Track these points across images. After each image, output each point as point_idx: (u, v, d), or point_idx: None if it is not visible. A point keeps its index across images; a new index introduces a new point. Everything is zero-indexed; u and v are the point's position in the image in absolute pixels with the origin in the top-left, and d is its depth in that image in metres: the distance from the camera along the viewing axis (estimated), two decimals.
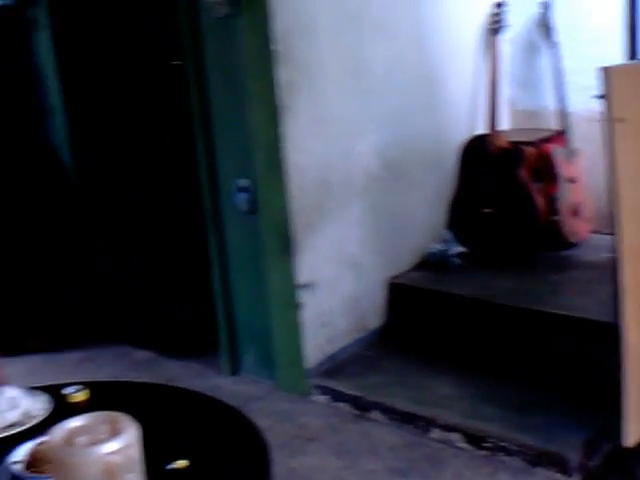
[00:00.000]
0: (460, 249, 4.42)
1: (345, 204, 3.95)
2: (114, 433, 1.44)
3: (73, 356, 4.74)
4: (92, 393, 2.27)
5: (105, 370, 4.49)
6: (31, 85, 4.73)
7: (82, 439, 1.44)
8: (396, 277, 4.31)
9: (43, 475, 1.80)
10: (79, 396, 2.26)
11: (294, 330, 3.84)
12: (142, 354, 4.70)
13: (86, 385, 2.30)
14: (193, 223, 4.20)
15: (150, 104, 4.39)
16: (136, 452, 1.44)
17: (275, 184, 3.67)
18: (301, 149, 3.69)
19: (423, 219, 4.46)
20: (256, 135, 3.67)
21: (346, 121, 3.91)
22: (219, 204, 3.95)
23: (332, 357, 4.03)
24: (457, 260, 4.38)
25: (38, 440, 1.93)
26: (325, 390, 3.88)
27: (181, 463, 1.76)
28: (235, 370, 4.26)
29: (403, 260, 4.36)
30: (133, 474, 1.39)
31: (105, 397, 2.29)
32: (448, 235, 4.48)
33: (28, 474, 1.81)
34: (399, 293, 4.27)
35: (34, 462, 1.87)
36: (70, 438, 1.45)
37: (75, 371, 4.47)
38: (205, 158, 3.89)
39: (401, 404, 3.64)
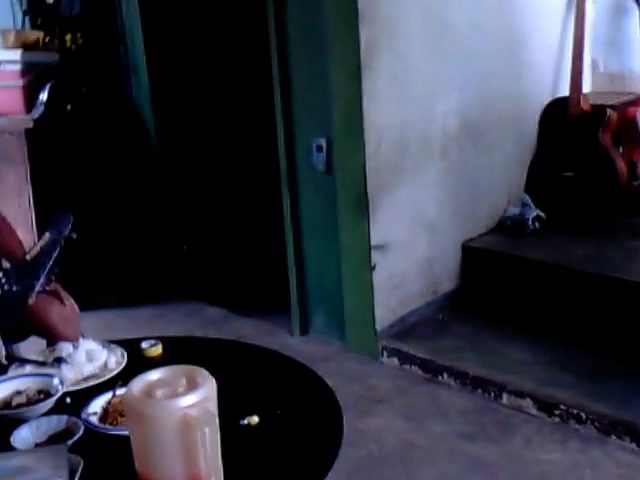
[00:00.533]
0: (537, 213, 4.33)
1: (422, 165, 3.90)
2: (192, 387, 1.44)
3: (145, 312, 4.80)
4: (166, 348, 2.29)
5: (176, 326, 4.53)
6: (117, 44, 4.76)
7: (160, 392, 1.43)
8: (471, 240, 4.26)
9: (119, 427, 1.83)
10: (153, 350, 2.27)
11: (366, 291, 3.82)
12: (213, 311, 4.74)
13: (160, 340, 2.32)
14: (268, 182, 4.20)
15: (231, 63, 4.38)
16: (213, 406, 1.43)
17: (352, 143, 3.64)
18: (380, 108, 3.64)
19: (501, 182, 4.38)
20: (335, 94, 3.64)
21: (426, 81, 3.84)
22: (294, 163, 3.93)
23: (403, 319, 4.01)
24: (534, 224, 4.30)
25: (114, 392, 1.96)
26: (395, 352, 3.86)
27: (253, 419, 1.76)
28: (305, 330, 4.26)
29: (478, 223, 4.30)
30: (209, 428, 1.38)
31: (178, 352, 2.31)
32: (526, 198, 4.39)
33: (103, 426, 1.84)
34: (473, 256, 4.21)
35: (110, 414, 1.90)
36: (149, 390, 1.45)
37: (147, 327, 4.52)
38: (282, 117, 3.87)
39: (472, 369, 3.60)
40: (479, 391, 3.53)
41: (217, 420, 1.40)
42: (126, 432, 1.78)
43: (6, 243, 2.74)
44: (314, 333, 4.25)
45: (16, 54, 4.48)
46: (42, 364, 2.21)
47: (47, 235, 2.08)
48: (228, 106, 4.46)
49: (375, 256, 3.77)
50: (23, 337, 2.83)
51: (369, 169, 3.64)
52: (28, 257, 2.05)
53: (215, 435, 1.41)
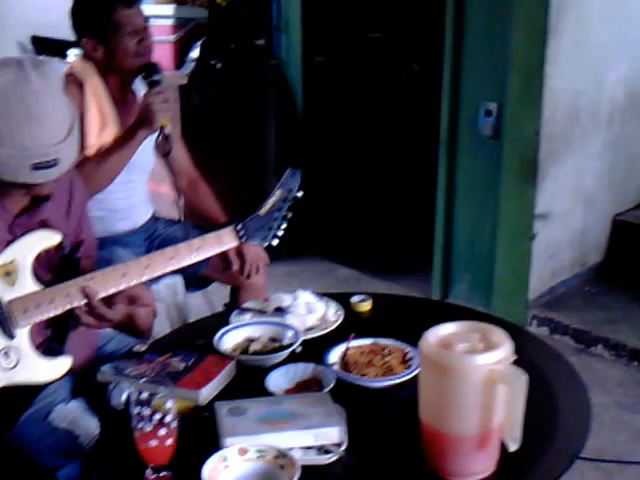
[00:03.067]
0: None
1: (589, 134, 3.85)
2: (490, 344, 1.46)
3: (277, 270, 4.81)
4: (375, 304, 2.33)
5: (309, 286, 4.54)
6: (269, 1, 4.73)
7: (461, 346, 1.46)
8: (621, 214, 4.21)
9: (365, 378, 1.88)
10: (364, 305, 2.32)
11: (523, 260, 3.81)
12: (345, 272, 4.76)
13: (370, 296, 2.35)
14: (420, 144, 4.19)
15: (394, 24, 4.35)
16: (510, 365, 1.45)
17: (527, 109, 3.58)
18: (559, 74, 3.58)
19: None
20: (513, 57, 3.54)
21: (602, 47, 3.78)
22: (456, 127, 3.87)
23: (552, 289, 3.99)
24: None
25: (348, 344, 2.01)
26: (545, 321, 3.85)
27: None
28: (445, 295, 4.26)
29: (630, 197, 4.24)
30: (516, 387, 1.40)
31: (387, 308, 2.34)
32: None
33: (354, 376, 1.88)
34: (623, 230, 4.16)
35: (350, 365, 1.95)
36: (446, 343, 1.48)
37: (280, 285, 4.55)
38: (450, 79, 3.78)
39: (629, 341, 3.58)
40: (635, 363, 3.51)
41: (525, 380, 1.41)
42: (372, 384, 1.85)
43: (211, 207, 2.83)
44: (454, 299, 4.25)
45: (169, 9, 4.45)
46: (262, 313, 2.27)
47: (278, 192, 2.13)
48: (384, 67, 4.44)
49: (536, 226, 3.75)
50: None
51: (542, 136, 3.60)
52: (261, 212, 2.10)
53: (520, 395, 1.42)
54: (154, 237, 2.81)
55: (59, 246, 1.94)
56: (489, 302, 4.00)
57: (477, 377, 1.42)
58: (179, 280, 2.79)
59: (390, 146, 4.57)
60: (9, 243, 1.86)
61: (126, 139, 2.48)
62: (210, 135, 4.38)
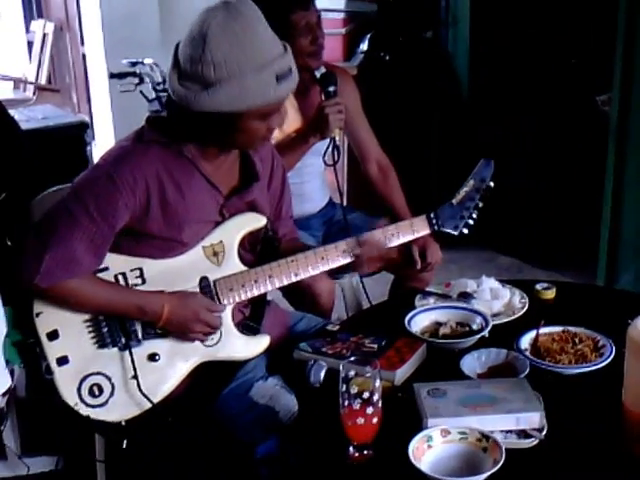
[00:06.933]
0: None
1: None
2: None
3: None
4: (559, 292, 2.30)
5: (468, 274, 4.50)
6: None
7: None
8: None
9: (560, 365, 1.87)
10: (549, 293, 2.30)
11: None
12: (506, 260, 4.72)
13: (554, 284, 2.34)
14: (586, 131, 4.11)
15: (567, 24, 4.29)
16: None
17: None
18: None
19: None
20: None
21: None
22: (628, 111, 3.75)
23: None
24: None
25: (538, 330, 2.00)
26: None
27: None
28: (610, 285, 4.16)
29: None
30: None
31: (572, 297, 2.32)
32: None
33: (548, 363, 1.88)
34: None
35: (542, 352, 1.94)
36: None
37: (441, 272, 4.55)
38: (621, 69, 3.69)
39: None
40: None
41: None
42: (568, 370, 1.84)
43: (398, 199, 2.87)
44: (620, 289, 4.14)
45: (340, 2, 4.58)
46: (446, 297, 2.29)
47: (471, 182, 2.16)
48: (554, 65, 4.37)
49: None
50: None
51: None
52: (454, 201, 2.14)
53: None
54: (332, 222, 2.87)
55: (264, 228, 2.02)
56: None
57: None
58: None
59: (555, 135, 4.48)
60: (217, 224, 1.95)
61: (299, 142, 2.59)
62: (378, 126, 4.42)
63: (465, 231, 2.17)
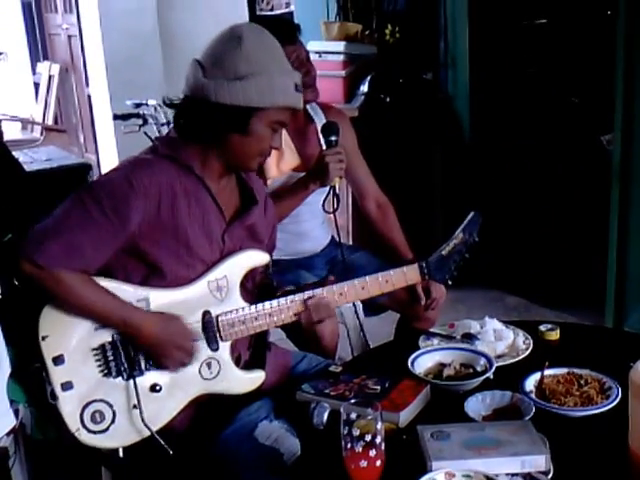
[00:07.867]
0: None
1: None
2: None
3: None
4: (562, 333, 2.29)
5: (476, 313, 4.49)
6: (437, 38, 4.75)
7: None
8: None
9: (565, 407, 1.85)
10: (553, 334, 2.28)
11: None
12: (513, 300, 4.70)
13: (557, 325, 2.32)
14: (591, 172, 4.11)
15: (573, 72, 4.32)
16: None
17: None
18: None
19: None
20: None
21: None
22: (630, 157, 3.75)
23: None
24: None
25: (543, 372, 1.98)
26: None
27: None
28: (618, 324, 4.13)
29: None
30: None
31: (576, 338, 2.30)
32: None
33: (554, 406, 1.86)
34: None
35: (547, 394, 1.92)
36: None
37: (448, 311, 4.53)
38: (622, 112, 3.65)
39: None
40: None
41: None
42: (574, 413, 1.82)
43: (397, 237, 2.89)
44: (629, 329, 4.11)
45: (339, 45, 4.60)
46: (450, 338, 2.28)
47: (460, 235, 2.20)
48: (544, 101, 4.39)
49: None
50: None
51: None
52: (444, 252, 2.17)
53: None
54: (335, 262, 2.87)
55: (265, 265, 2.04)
56: None
57: None
58: (359, 304, 2.83)
59: (559, 174, 4.49)
60: (220, 251, 1.97)
61: (298, 188, 2.61)
62: (378, 166, 4.44)
63: (449, 282, 2.22)
